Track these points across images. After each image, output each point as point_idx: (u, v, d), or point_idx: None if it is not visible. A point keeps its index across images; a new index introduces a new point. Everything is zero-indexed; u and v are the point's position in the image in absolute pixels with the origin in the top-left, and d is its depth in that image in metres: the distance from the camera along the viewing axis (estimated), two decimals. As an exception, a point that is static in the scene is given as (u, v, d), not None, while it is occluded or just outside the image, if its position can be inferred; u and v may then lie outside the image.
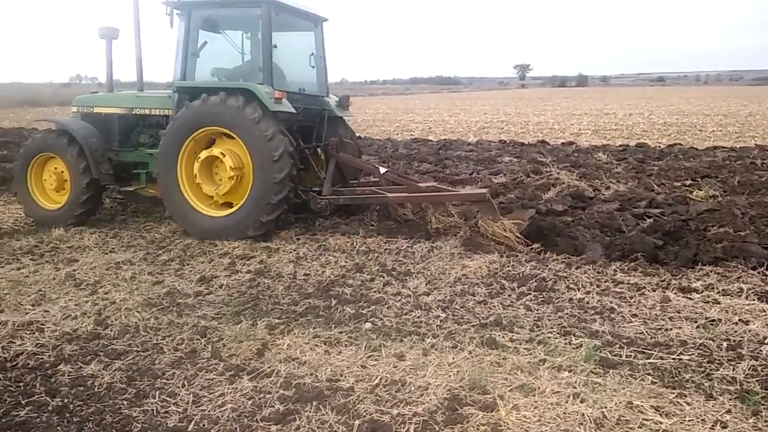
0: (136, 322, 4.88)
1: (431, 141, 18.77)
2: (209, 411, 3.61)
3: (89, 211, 8.18)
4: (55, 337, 4.61)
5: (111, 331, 4.74)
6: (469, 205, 7.50)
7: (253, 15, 7.56)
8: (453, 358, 4.21)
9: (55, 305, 5.22)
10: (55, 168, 8.14)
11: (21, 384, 3.93)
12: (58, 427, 3.47)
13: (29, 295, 5.45)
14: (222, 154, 7.18)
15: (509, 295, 5.42)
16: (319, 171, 8.30)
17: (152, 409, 3.64)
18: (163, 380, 4.02)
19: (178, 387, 3.91)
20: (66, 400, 3.74)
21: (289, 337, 4.58)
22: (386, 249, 6.85)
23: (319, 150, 8.51)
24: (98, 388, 3.90)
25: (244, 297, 5.47)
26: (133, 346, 4.50)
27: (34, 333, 4.68)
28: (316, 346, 4.45)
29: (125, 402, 3.75)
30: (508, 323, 4.81)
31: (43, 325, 4.82)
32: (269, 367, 4.13)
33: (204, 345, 4.50)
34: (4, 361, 4.23)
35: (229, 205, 7.41)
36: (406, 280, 5.85)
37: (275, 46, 7.46)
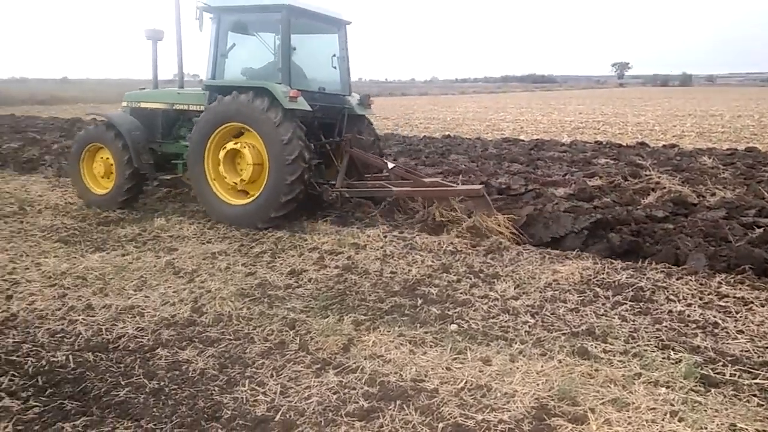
0: (229, 311, 5.05)
1: (523, 141, 18.35)
2: (296, 402, 3.68)
3: (132, 197, 8.91)
4: (154, 322, 4.84)
5: (206, 318, 4.93)
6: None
7: (274, 19, 7.94)
8: (542, 366, 4.08)
9: (155, 291, 5.48)
10: (103, 157, 8.88)
11: (121, 365, 4.15)
12: (154, 409, 3.64)
13: (132, 281, 5.76)
14: (243, 146, 7.70)
15: (603, 304, 5.21)
16: (339, 165, 8.51)
17: (242, 397, 3.75)
18: (253, 369, 4.13)
19: (267, 377, 4.01)
20: (162, 383, 3.92)
21: (374, 335, 4.59)
22: (474, 250, 6.76)
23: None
24: (192, 374, 4.06)
25: (331, 292, 5.55)
26: (225, 335, 4.66)
27: (135, 317, 4.93)
28: (401, 344, 4.44)
29: (216, 388, 3.88)
30: (601, 333, 4.62)
31: (143, 309, 5.07)
32: (354, 363, 4.16)
33: (292, 337, 4.59)
34: (107, 342, 4.49)
35: (247, 193, 7.94)
36: (493, 282, 5.74)
37: (294, 48, 7.96)
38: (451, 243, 7.00)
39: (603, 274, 5.90)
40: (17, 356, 4.23)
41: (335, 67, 8.81)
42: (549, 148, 16.14)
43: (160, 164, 8.87)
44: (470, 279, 5.87)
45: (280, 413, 3.56)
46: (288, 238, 7.30)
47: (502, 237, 7.02)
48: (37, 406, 3.62)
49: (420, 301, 5.30)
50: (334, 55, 8.78)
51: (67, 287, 5.58)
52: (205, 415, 3.55)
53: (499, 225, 7.18)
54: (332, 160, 8.72)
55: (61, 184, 10.59)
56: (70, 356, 4.24)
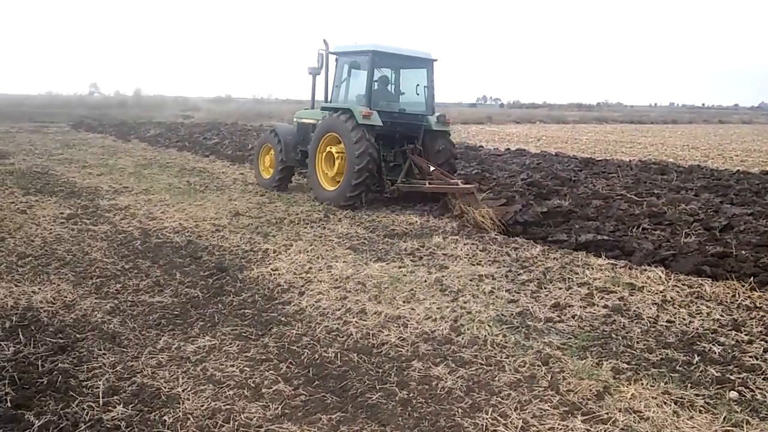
0: (485, 336, 5.08)
1: None
2: (535, 442, 3.55)
3: (283, 182, 12.45)
4: (415, 335, 5.11)
5: (462, 339, 5.04)
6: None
7: (366, 59, 10.87)
8: None
9: (421, 305, 5.78)
10: (270, 153, 12.64)
11: (379, 371, 4.47)
12: (400, 418, 3.83)
13: (403, 292, 6.15)
14: (337, 150, 10.67)
15: None
16: (415, 168, 11.17)
17: (482, 424, 3.75)
18: (499, 398, 4.10)
19: (511, 409, 3.95)
20: (411, 395, 4.12)
21: (635, 386, 4.20)
22: (778, 308, 5.76)
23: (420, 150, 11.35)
24: (440, 391, 4.18)
25: (595, 332, 5.23)
26: (478, 358, 4.70)
27: (399, 327, 5.26)
28: (665, 403, 3.99)
29: (460, 410, 3.94)
30: None
31: (407, 321, 5.39)
32: (607, 414, 3.86)
33: (544, 373, 4.44)
34: (372, 346, 4.87)
35: (338, 182, 10.78)
36: (797, 350, 4.82)
37: (376, 81, 11.04)
38: (749, 297, 6.08)
39: None
40: (297, 346, 4.84)
41: (418, 94, 11.52)
42: None
43: (304, 161, 11.83)
44: (766, 342, 5.02)
45: (516, 449, 3.47)
46: (558, 269, 7.09)
47: (485, 226, 9.00)
48: (304, 394, 4.09)
49: (697, 359, 4.70)
50: (418, 84, 11.54)
51: (348, 291, 6.19)
52: (444, 435, 3.63)
53: (483, 217, 9.14)
54: (413, 164, 11.23)
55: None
56: (339, 354, 4.70)
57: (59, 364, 4.38)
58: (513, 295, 6.16)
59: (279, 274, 6.69)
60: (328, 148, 10.94)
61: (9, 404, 3.82)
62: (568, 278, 6.75)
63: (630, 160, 19.37)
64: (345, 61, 11.45)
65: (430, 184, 10.51)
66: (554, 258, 7.58)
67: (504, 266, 7.22)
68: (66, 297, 5.74)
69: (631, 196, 11.35)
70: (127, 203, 10.36)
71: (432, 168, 10.64)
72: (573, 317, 5.59)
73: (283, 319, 5.44)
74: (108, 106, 51.17)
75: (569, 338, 5.10)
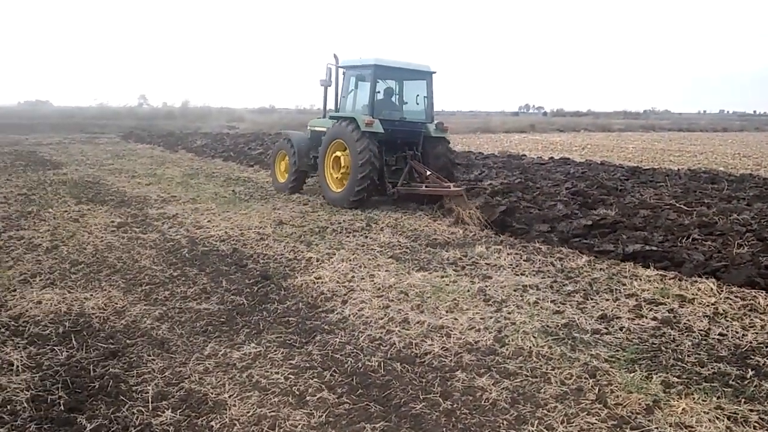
0: (530, 347, 5.01)
1: None
2: (582, 457, 3.48)
3: (298, 186, 13.24)
4: (458, 345, 5.07)
5: (506, 350, 4.98)
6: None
7: (369, 72, 11.78)
8: None
9: (464, 315, 5.73)
10: (285, 159, 13.52)
11: (423, 380, 4.45)
12: (444, 429, 3.81)
13: (446, 302, 6.12)
14: (343, 155, 11.55)
15: None
16: (415, 172, 11.90)
17: (528, 437, 3.69)
18: (545, 410, 4.03)
19: (557, 422, 3.88)
20: (455, 405, 4.08)
21: (685, 401, 4.08)
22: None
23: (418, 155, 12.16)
24: (484, 402, 4.14)
25: (644, 345, 5.11)
26: (523, 370, 4.64)
27: (442, 337, 5.23)
28: (717, 418, 3.87)
29: (505, 422, 3.89)
30: None
31: (451, 331, 5.35)
32: (657, 429, 3.77)
33: (591, 386, 4.35)
34: (415, 356, 4.85)
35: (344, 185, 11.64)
36: None
37: (379, 92, 11.99)
38: (806, 310, 5.86)
39: None
40: (341, 355, 4.86)
41: (418, 103, 12.41)
42: None
43: (316, 166, 12.51)
44: (825, 357, 4.82)
45: (563, 463, 3.40)
46: (605, 280, 6.95)
47: (472, 224, 9.97)
48: (348, 403, 4.10)
49: (751, 373, 4.54)
50: (418, 95, 12.45)
51: (391, 300, 6.19)
52: (489, 447, 3.59)
53: (470, 216, 10.13)
54: (413, 167, 11.96)
55: (397, 208, 11.77)
56: (382, 363, 4.70)
57: (110, 369, 4.49)
58: (558, 306, 6.06)
59: (322, 282, 6.73)
60: (335, 154, 11.85)
61: (62, 407, 3.94)
62: (616, 289, 6.61)
63: (679, 169, 18.93)
64: (352, 73, 12.43)
65: (426, 187, 11.44)
66: (601, 269, 7.44)
67: (549, 277, 7.11)
68: (116, 303, 5.89)
69: (680, 206, 11.07)
70: (174, 212, 10.59)
71: (428, 173, 11.54)
72: (621, 329, 5.47)
73: (326, 327, 5.47)
74: (156, 117, 52.61)
75: (617, 351, 4.99)
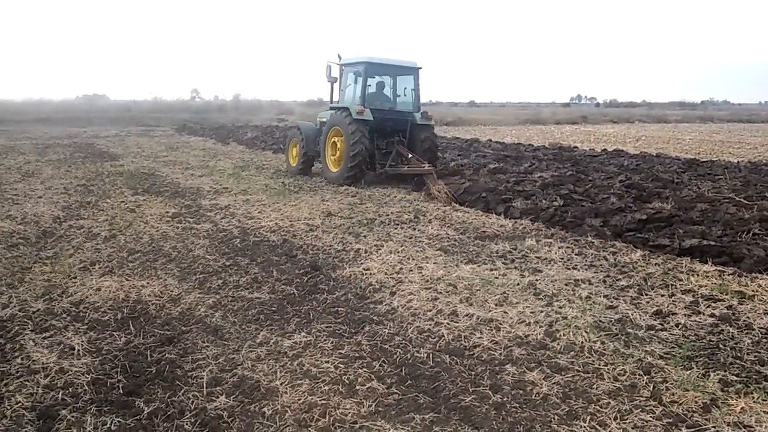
0: (582, 342, 4.93)
1: None
2: (636, 454, 3.40)
3: (306, 169, 14.92)
4: (508, 338, 5.02)
5: (557, 344, 4.91)
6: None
7: (362, 69, 13.47)
8: None
9: (514, 309, 5.67)
10: (296, 146, 15.11)
11: (472, 373, 4.42)
12: (494, 422, 3.78)
13: (495, 295, 6.06)
14: (339, 140, 13.31)
15: None
16: (407, 155, 13.48)
17: (579, 433, 3.64)
18: (597, 406, 3.96)
19: (610, 418, 3.81)
20: (505, 399, 4.05)
21: (744, 400, 3.95)
22: None
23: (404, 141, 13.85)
24: (535, 396, 4.09)
25: (700, 342, 4.96)
26: (575, 365, 4.57)
27: (491, 330, 5.19)
28: (780, 420, 3.73)
29: (556, 417, 3.84)
30: None
31: (500, 324, 5.30)
32: (714, 428, 3.66)
33: (645, 383, 4.25)
34: (464, 348, 4.83)
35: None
36: None
37: (371, 85, 13.82)
38: None
39: None
40: (390, 346, 4.87)
41: (406, 95, 14.15)
42: None
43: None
44: None
45: (617, 461, 3.34)
46: (660, 275, 6.77)
47: (441, 199, 11.47)
48: (397, 393, 4.11)
49: (816, 374, 4.36)
50: (405, 87, 14.19)
51: (439, 292, 6.17)
52: (540, 441, 3.55)
53: (439, 191, 11.67)
54: (402, 151, 13.60)
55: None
56: (431, 355, 4.70)
57: (166, 355, 4.62)
58: (611, 301, 5.93)
59: (370, 273, 6.76)
60: (333, 139, 13.58)
61: (121, 391, 4.07)
62: (671, 285, 6.43)
63: (738, 162, 18.26)
64: (349, 70, 14.10)
65: (407, 167, 13.28)
66: (656, 264, 7.25)
67: (601, 271, 6.97)
68: (172, 291, 6.05)
69: (740, 200, 10.67)
70: (226, 203, 10.80)
71: (410, 155, 13.35)
72: (677, 326, 5.32)
73: (375, 318, 5.50)
74: (208, 110, 53.69)
75: (673, 347, 4.86)
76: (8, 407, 3.83)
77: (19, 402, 3.89)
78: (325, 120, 14.37)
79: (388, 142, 13.75)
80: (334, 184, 13.14)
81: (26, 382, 4.14)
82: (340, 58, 14.23)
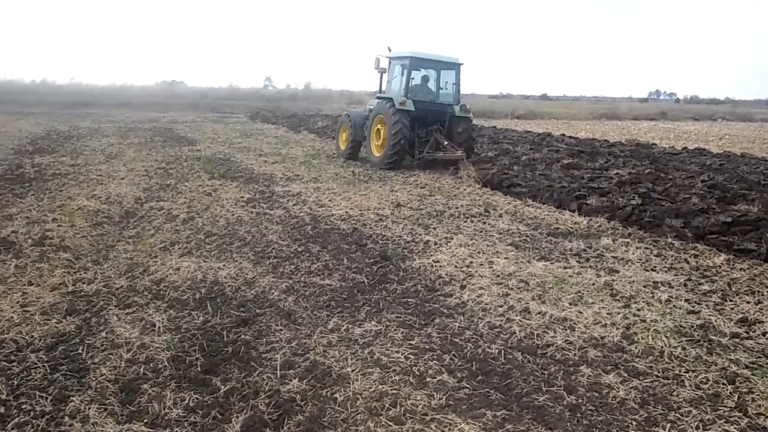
0: (661, 347, 4.75)
1: None
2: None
3: (353, 154, 15.88)
4: (583, 339, 4.89)
5: (635, 348, 4.74)
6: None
7: (407, 63, 14.38)
8: None
9: (589, 309, 5.52)
10: (346, 131, 16.20)
11: (545, 372, 4.33)
12: (568, 423, 3.69)
13: (569, 294, 5.92)
14: (382, 127, 14.22)
15: None
16: (443, 142, 14.56)
17: (659, 441, 3.50)
18: (677, 414, 3.81)
19: (692, 427, 3.66)
20: (580, 401, 3.95)
21: (843, 419, 3.71)
22: None
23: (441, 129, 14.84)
24: (611, 400, 3.97)
25: (791, 354, 4.69)
26: (653, 370, 4.41)
27: (565, 330, 5.06)
28: None
29: (634, 422, 3.71)
30: None
31: (574, 324, 5.17)
32: (807, 446, 3.44)
33: (730, 392, 4.06)
34: (536, 347, 4.73)
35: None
36: None
37: (413, 78, 14.53)
38: None
39: None
40: (460, 339, 4.83)
41: (447, 89, 15.14)
42: None
43: None
44: None
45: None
46: (746, 281, 6.45)
47: (470, 181, 12.63)
48: (468, 388, 4.07)
49: None
50: (447, 81, 15.19)
51: (510, 288, 6.07)
52: (617, 447, 3.44)
53: (468, 174, 12.90)
54: (442, 139, 14.63)
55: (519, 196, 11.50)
56: (502, 351, 4.63)
57: (242, 336, 4.74)
58: (693, 306, 5.68)
59: (440, 266, 6.72)
60: (377, 127, 14.54)
61: (199, 369, 4.20)
62: (758, 291, 6.11)
63: (832, 164, 17.14)
64: (396, 63, 15.02)
65: (442, 154, 14.37)
66: (741, 269, 6.91)
67: (682, 274, 6.69)
68: (247, 274, 6.19)
69: (835, 205, 10.02)
70: (298, 190, 10.97)
71: (446, 143, 14.44)
72: (764, 334, 5.05)
73: (445, 311, 5.46)
74: (281, 98, 54.71)
75: (759, 357, 4.62)
76: (93, 379, 4.02)
77: (104, 374, 4.06)
78: (370, 108, 15.50)
79: (428, 131, 14.75)
80: (377, 168, 14.28)
81: (110, 356, 4.33)
82: (390, 51, 15.24)
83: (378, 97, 15.30)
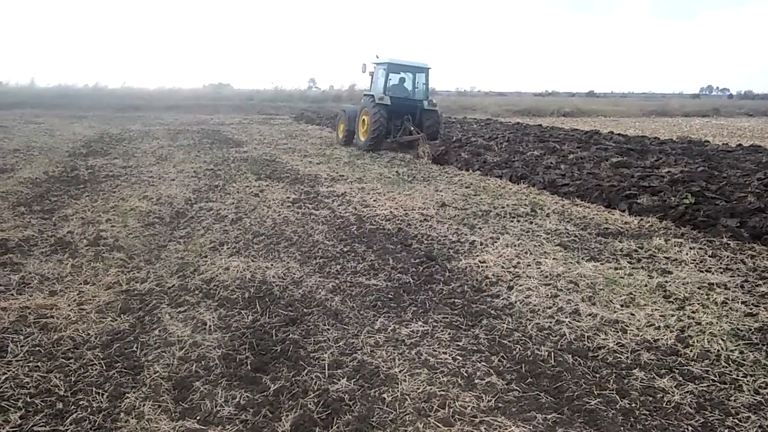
0: (718, 350, 4.60)
1: None
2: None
3: (348, 142, 19.02)
4: (636, 342, 4.77)
5: (690, 351, 4.61)
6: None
7: (385, 68, 18.07)
8: None
9: (642, 311, 5.39)
10: (342, 123, 19.43)
11: (597, 375, 4.25)
12: (621, 428, 3.61)
13: (620, 295, 5.79)
14: (365, 118, 17.81)
15: None
16: (414, 130, 17.92)
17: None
18: (736, 420, 3.70)
19: (752, 435, 3.52)
20: (633, 405, 3.86)
21: None
22: None
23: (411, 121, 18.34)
24: (666, 404, 3.87)
25: None
26: (710, 374, 4.28)
27: (617, 332, 4.96)
28: None
29: (690, 428, 3.62)
30: None
31: (626, 326, 5.05)
32: None
33: (793, 399, 3.90)
34: (587, 349, 4.64)
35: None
36: None
37: (390, 79, 18.13)
38: None
39: None
40: (508, 341, 4.78)
41: (418, 88, 18.67)
42: None
43: None
44: None
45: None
46: (807, 282, 6.19)
47: (425, 156, 16.19)
48: (517, 390, 4.02)
49: None
50: (418, 82, 18.69)
51: (559, 289, 5.97)
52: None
53: (424, 151, 16.39)
54: (411, 127, 17.93)
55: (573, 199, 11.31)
56: (552, 353, 4.56)
57: (290, 335, 4.79)
58: (751, 308, 5.49)
59: (486, 266, 6.66)
60: (362, 117, 18.10)
61: (249, 367, 4.26)
62: (821, 294, 5.86)
63: None
64: (379, 68, 18.56)
65: (408, 137, 17.73)
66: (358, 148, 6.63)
67: (739, 275, 6.47)
68: (294, 274, 6.26)
69: None
70: (343, 191, 11.03)
71: (412, 128, 17.86)
72: (828, 339, 4.84)
73: (492, 312, 5.41)
74: (325, 99, 55.09)
75: (824, 363, 4.43)
76: (147, 376, 4.11)
77: (157, 372, 4.16)
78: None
79: (402, 120, 18.27)
80: (362, 149, 17.82)
81: (163, 354, 4.43)
82: (377, 58, 18.91)
83: (365, 95, 19.05)
